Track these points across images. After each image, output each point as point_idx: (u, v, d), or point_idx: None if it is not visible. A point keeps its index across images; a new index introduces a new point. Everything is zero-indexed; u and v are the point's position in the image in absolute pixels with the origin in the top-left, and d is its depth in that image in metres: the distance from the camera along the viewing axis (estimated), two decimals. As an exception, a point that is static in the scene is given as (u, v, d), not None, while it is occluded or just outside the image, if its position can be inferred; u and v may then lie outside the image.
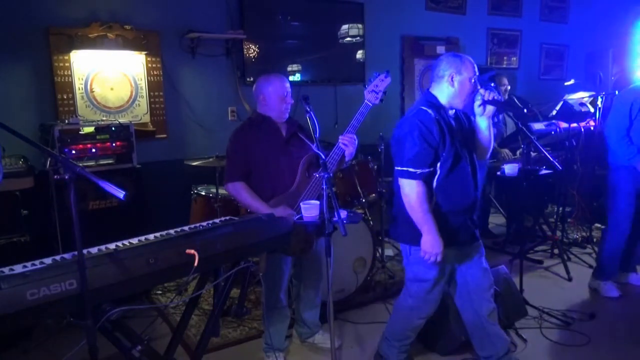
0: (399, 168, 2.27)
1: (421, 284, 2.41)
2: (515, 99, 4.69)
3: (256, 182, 2.59)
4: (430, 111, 2.25)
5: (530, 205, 4.52)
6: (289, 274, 2.74)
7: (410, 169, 2.21)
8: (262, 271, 2.54)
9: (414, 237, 2.29)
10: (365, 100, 2.58)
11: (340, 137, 2.54)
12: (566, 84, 5.24)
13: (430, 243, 2.23)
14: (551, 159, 3.28)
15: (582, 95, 4.61)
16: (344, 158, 2.61)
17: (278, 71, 3.78)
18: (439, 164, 2.26)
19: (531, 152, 3.55)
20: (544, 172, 3.80)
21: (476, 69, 2.31)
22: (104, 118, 3.82)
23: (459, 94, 2.29)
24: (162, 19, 4.02)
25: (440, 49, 5.51)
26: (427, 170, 2.22)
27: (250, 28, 4.36)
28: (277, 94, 2.58)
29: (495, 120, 3.73)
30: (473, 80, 2.27)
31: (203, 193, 3.69)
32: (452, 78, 2.27)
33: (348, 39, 4.98)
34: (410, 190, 2.22)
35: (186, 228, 2.00)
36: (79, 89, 3.76)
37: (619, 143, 3.27)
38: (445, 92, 2.31)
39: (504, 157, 4.48)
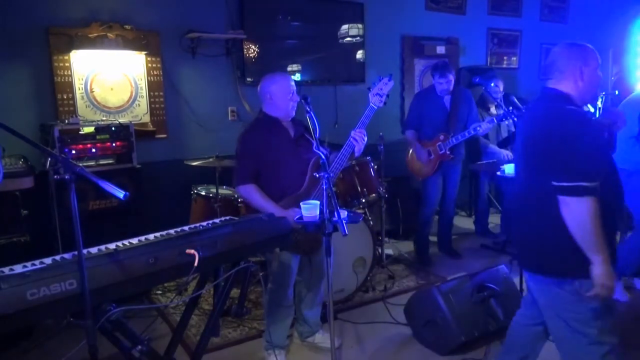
0: (568, 184, 1.77)
1: (608, 318, 1.93)
2: (514, 99, 4.69)
3: (266, 183, 2.57)
4: (584, 110, 1.89)
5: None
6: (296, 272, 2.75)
7: (586, 184, 1.74)
8: (274, 269, 2.55)
9: (585, 266, 1.81)
10: (371, 104, 2.61)
11: (352, 132, 2.58)
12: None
13: (608, 275, 1.78)
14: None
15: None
16: (354, 154, 2.66)
17: (278, 71, 3.79)
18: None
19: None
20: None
21: (599, 58, 1.97)
22: (104, 118, 3.82)
23: (590, 89, 1.94)
24: (162, 19, 4.02)
25: (440, 49, 5.52)
26: (599, 182, 1.77)
27: (250, 28, 4.36)
28: (284, 93, 2.58)
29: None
30: (599, 71, 1.94)
31: (203, 193, 3.69)
32: (580, 71, 1.90)
33: (348, 39, 4.98)
34: (584, 209, 1.75)
35: (186, 228, 2.00)
36: (79, 89, 3.76)
37: (631, 150, 3.27)
38: (572, 88, 1.93)
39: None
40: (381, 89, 2.60)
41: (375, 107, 2.61)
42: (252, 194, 2.53)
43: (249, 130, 2.63)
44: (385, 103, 2.63)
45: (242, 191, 2.57)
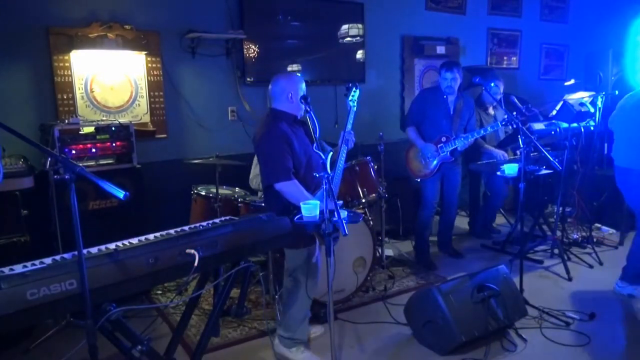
0: None
1: None
2: (515, 100, 4.69)
3: (301, 180, 2.55)
4: None
5: (531, 205, 4.52)
6: None
7: None
8: (301, 264, 2.61)
9: None
10: (353, 108, 2.84)
11: (344, 133, 2.75)
12: (566, 84, 5.24)
13: None
14: (551, 159, 3.28)
15: (582, 95, 4.61)
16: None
17: (278, 71, 3.80)
18: None
19: (531, 153, 3.55)
20: (544, 172, 3.81)
21: None
22: (104, 118, 3.82)
23: None
24: (162, 19, 4.02)
25: (440, 49, 5.52)
26: None
27: (250, 28, 4.36)
28: (301, 91, 2.63)
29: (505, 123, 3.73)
30: None
31: (203, 193, 3.69)
32: None
33: (348, 39, 4.98)
34: None
35: (186, 228, 2.00)
36: (79, 89, 3.76)
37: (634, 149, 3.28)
38: None
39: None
40: (353, 96, 2.87)
41: (354, 111, 2.84)
42: (297, 189, 2.48)
43: (277, 126, 2.55)
44: (355, 107, 2.88)
45: (286, 187, 2.48)
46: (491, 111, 4.74)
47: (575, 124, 4.24)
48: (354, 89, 2.87)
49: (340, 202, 2.54)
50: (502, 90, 4.62)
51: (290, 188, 2.49)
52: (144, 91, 4.02)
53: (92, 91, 3.82)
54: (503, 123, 3.72)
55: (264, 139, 2.56)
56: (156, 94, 4.07)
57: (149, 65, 4.01)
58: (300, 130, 2.67)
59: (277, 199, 2.54)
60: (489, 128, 3.94)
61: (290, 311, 2.70)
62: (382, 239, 4.17)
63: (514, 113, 3.78)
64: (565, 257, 4.06)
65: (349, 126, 2.80)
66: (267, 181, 2.55)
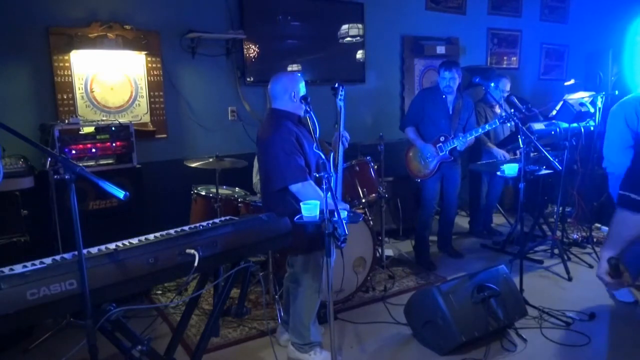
0: None
1: None
2: (515, 99, 4.69)
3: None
4: None
5: (531, 205, 4.52)
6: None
7: None
8: (312, 266, 2.58)
9: None
10: (343, 109, 2.94)
11: (342, 133, 2.83)
12: (566, 84, 5.24)
13: None
14: (551, 159, 3.28)
15: (582, 95, 4.61)
16: None
17: (278, 71, 3.79)
18: None
19: (531, 153, 3.55)
20: (544, 172, 3.80)
21: None
22: (104, 118, 3.82)
23: None
24: (162, 19, 4.02)
25: (440, 49, 5.52)
26: None
27: (250, 28, 4.36)
28: (302, 91, 2.62)
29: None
30: None
31: (203, 193, 3.69)
32: None
33: (348, 39, 4.98)
34: None
35: (186, 228, 2.00)
36: (79, 89, 3.76)
37: (617, 155, 3.26)
38: None
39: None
40: (341, 95, 2.94)
41: (344, 110, 2.94)
42: (315, 190, 2.42)
43: (287, 126, 2.50)
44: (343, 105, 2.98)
45: (303, 188, 2.43)
46: (497, 109, 4.74)
47: (575, 124, 4.24)
48: (340, 88, 2.88)
49: (347, 204, 2.54)
50: (508, 89, 4.62)
51: (307, 189, 2.43)
52: (144, 91, 4.02)
53: (92, 91, 3.82)
54: (501, 121, 3.72)
55: (272, 140, 2.47)
56: (156, 94, 4.07)
57: (149, 65, 4.01)
58: (305, 130, 2.64)
59: (285, 205, 2.47)
60: (487, 126, 3.93)
61: (298, 315, 2.67)
62: (382, 239, 4.17)
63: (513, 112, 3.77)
64: (565, 257, 4.06)
65: (342, 126, 2.81)
66: (280, 184, 2.46)
